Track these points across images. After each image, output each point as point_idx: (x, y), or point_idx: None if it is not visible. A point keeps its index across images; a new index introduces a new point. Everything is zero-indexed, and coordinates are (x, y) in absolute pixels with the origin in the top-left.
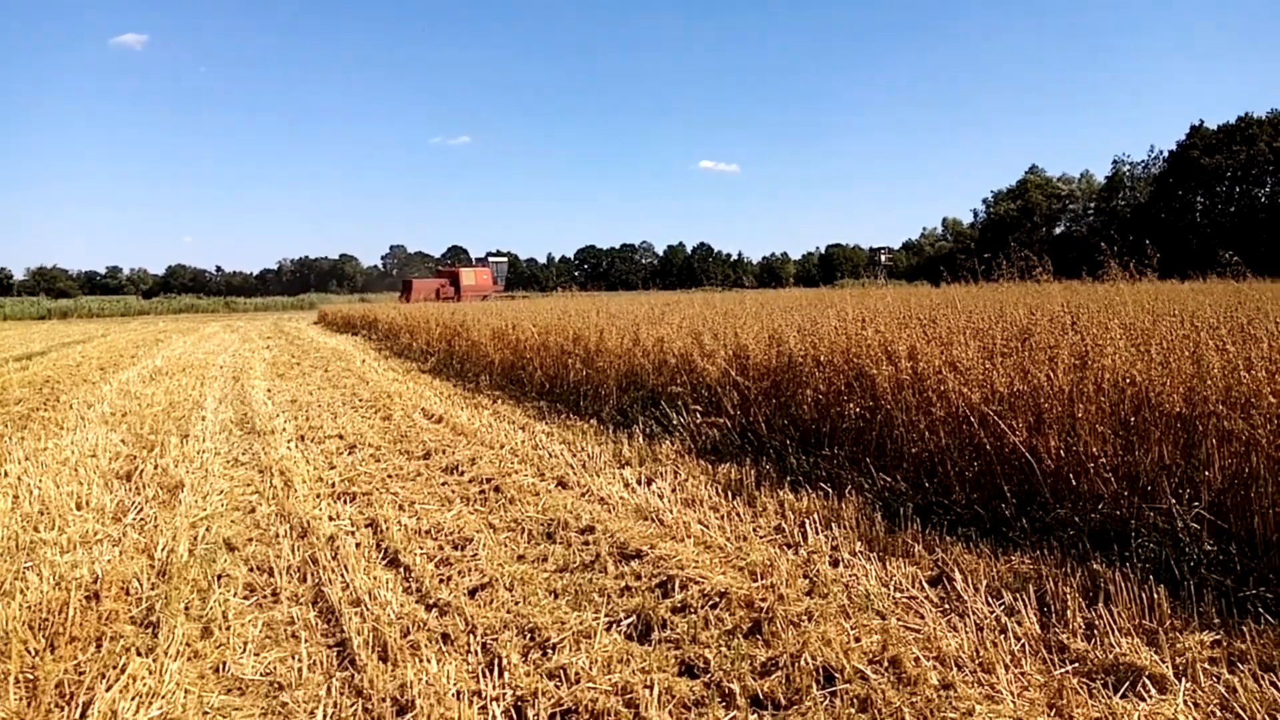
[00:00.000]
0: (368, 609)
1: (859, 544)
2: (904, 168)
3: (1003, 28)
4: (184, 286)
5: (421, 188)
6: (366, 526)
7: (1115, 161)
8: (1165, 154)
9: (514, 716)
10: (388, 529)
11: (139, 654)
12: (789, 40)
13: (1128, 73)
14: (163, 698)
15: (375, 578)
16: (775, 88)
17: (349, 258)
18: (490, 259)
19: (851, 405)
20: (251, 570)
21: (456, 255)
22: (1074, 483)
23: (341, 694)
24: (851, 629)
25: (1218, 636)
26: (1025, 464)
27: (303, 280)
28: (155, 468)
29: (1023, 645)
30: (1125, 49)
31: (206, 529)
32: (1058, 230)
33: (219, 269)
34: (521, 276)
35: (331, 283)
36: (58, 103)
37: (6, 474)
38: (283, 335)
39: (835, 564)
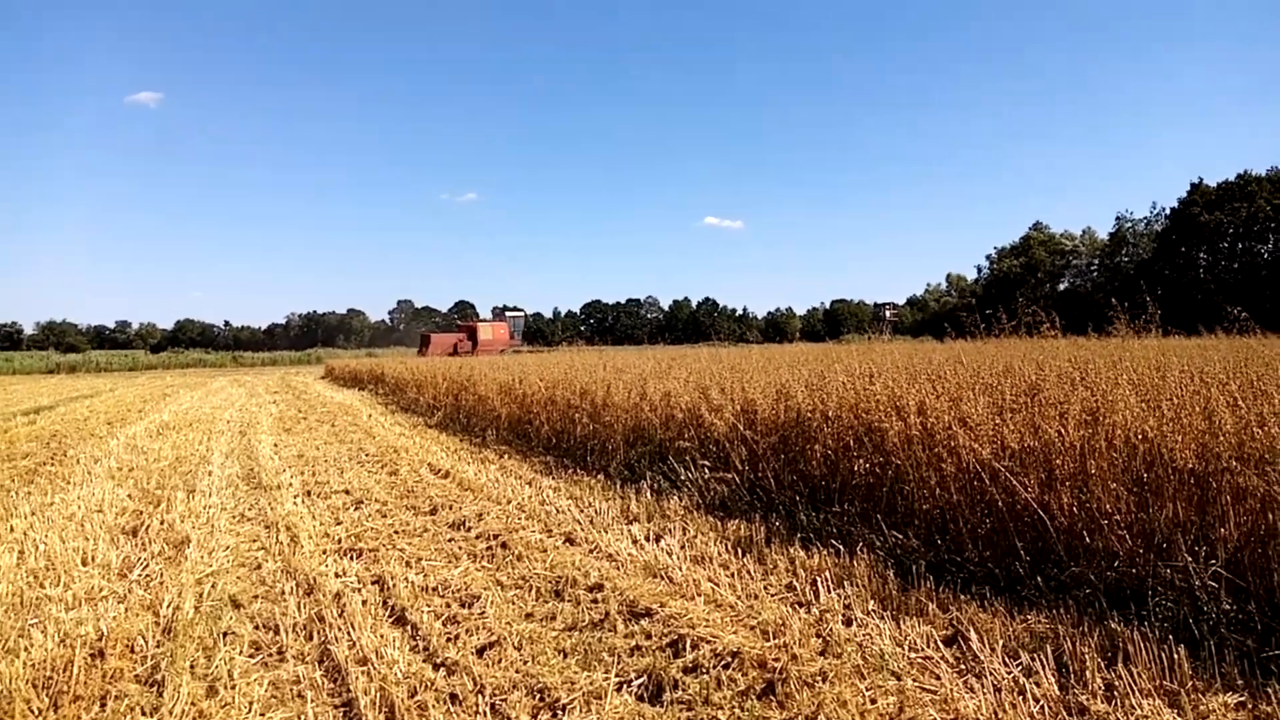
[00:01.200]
0: (374, 668)
1: (872, 602)
2: (909, 223)
3: (1005, 88)
4: (192, 341)
5: (429, 243)
6: (373, 583)
7: (1118, 218)
8: (1167, 210)
9: None
10: (394, 586)
11: (144, 714)
12: (792, 97)
13: (1130, 130)
14: None
15: (382, 636)
16: (779, 143)
17: (356, 312)
18: (508, 314)
19: (861, 461)
20: (257, 628)
21: (464, 310)
22: (1088, 540)
23: None
24: (867, 690)
25: (1242, 698)
26: (1038, 521)
27: (310, 335)
28: (161, 523)
29: (1042, 707)
30: (1127, 107)
31: (212, 585)
32: (1062, 286)
33: (227, 323)
34: (528, 331)
35: (339, 337)
36: (72, 158)
37: (13, 529)
38: (289, 390)
39: (848, 623)
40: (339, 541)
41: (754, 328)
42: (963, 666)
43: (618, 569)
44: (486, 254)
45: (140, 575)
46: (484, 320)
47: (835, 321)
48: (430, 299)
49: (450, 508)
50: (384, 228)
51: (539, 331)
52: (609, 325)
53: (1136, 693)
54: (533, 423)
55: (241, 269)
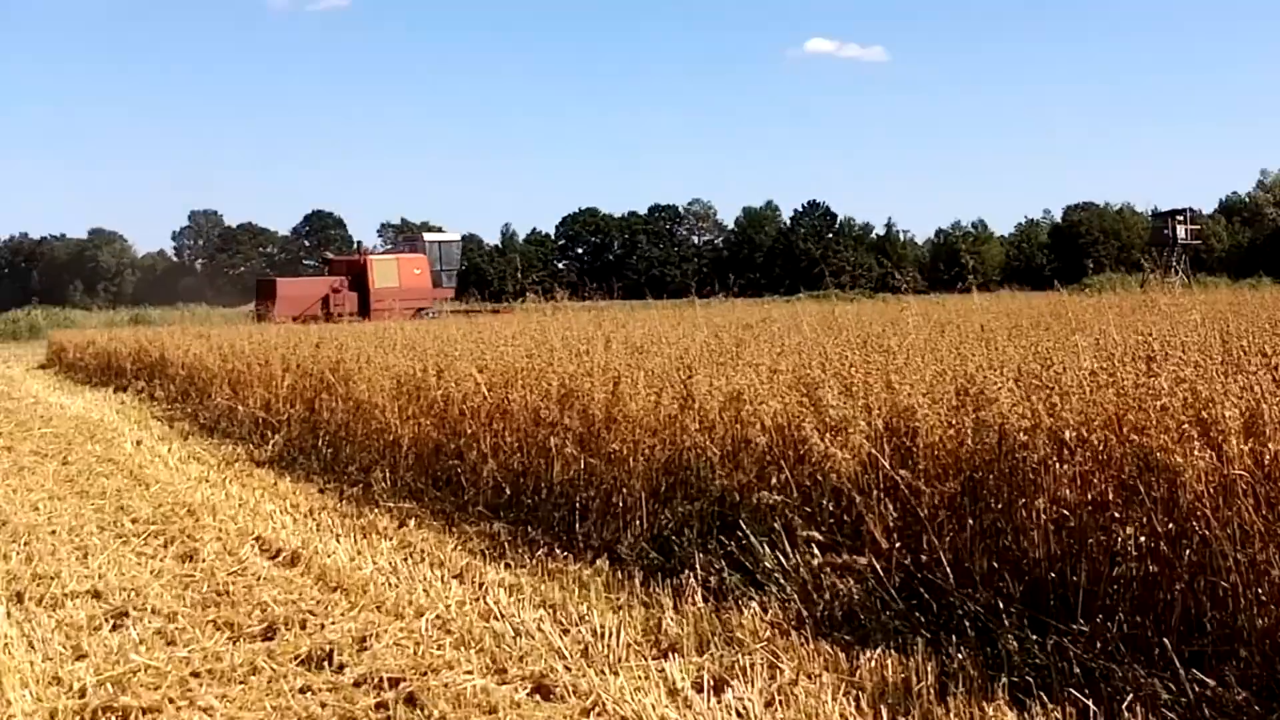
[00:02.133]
0: None
1: None
2: (1219, 69)
3: None
4: None
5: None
6: None
7: None
8: None
9: None
10: None
11: None
12: None
13: None
14: None
15: None
16: None
17: (109, 237)
18: (427, 238)
19: (1131, 528)
20: None
21: (322, 231)
22: None
23: None
24: None
25: None
26: None
27: (19, 282)
28: None
29: None
30: None
31: None
32: None
33: None
34: (463, 272)
35: (74, 285)
36: None
37: None
38: None
39: None
40: (83, 696)
41: (908, 261)
42: None
43: None
44: (370, 128)
45: None
46: (380, 253)
47: (1072, 248)
48: (262, 211)
49: (303, 625)
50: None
51: (476, 274)
52: (613, 259)
53: None
54: (465, 456)
55: None
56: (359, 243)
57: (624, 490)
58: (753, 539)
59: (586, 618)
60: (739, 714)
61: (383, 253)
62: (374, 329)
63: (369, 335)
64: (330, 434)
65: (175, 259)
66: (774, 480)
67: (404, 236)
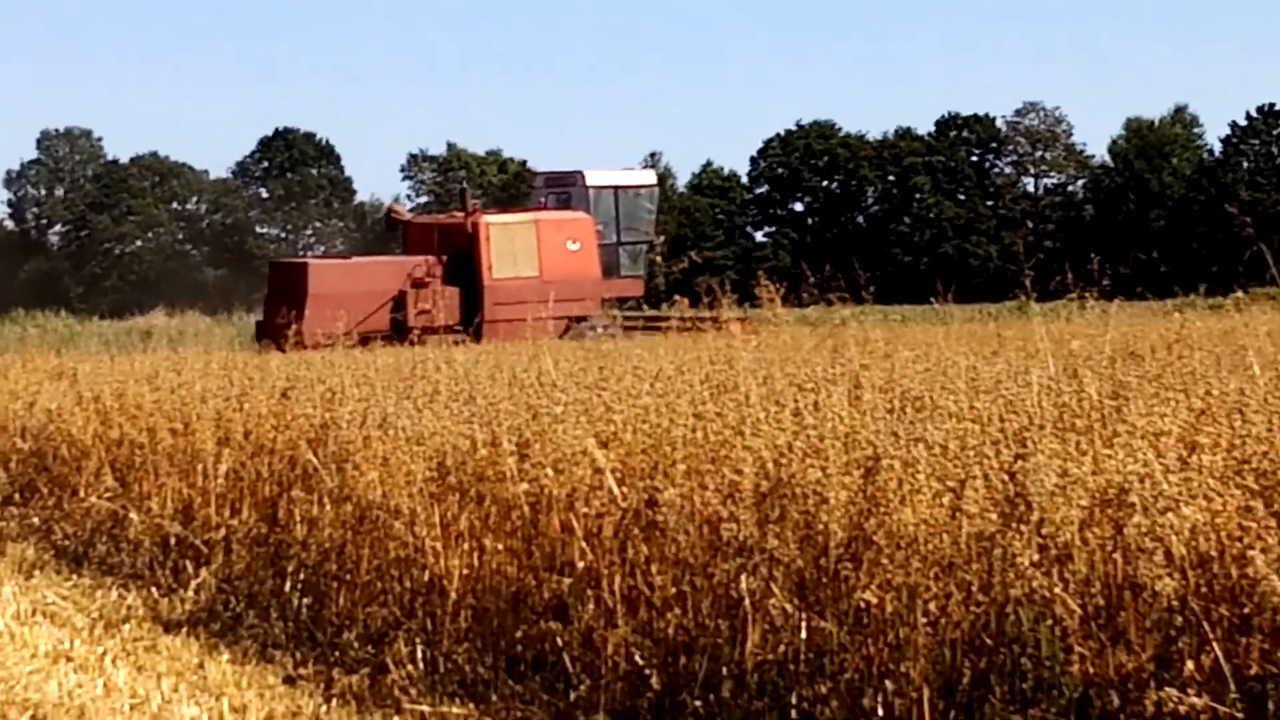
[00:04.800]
0: None
1: None
2: None
3: None
4: None
5: None
6: None
7: None
8: None
9: None
10: None
11: None
12: None
13: None
14: None
15: None
16: None
17: None
18: (588, 181)
19: None
20: None
21: (300, 171)
22: None
23: None
24: None
25: None
26: None
27: None
28: None
29: None
30: None
31: None
32: None
33: None
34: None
35: None
36: None
37: None
38: None
39: None
40: None
41: None
42: None
43: None
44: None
45: None
46: (502, 213)
47: None
48: (176, 140)
49: None
50: None
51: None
52: (863, 221)
53: None
54: (572, 613)
55: None
56: (464, 187)
57: (886, 682)
58: None
59: None
60: None
61: (509, 210)
62: (432, 359)
63: (387, 373)
64: (309, 568)
65: (12, 226)
66: (1189, 666)
67: (546, 178)
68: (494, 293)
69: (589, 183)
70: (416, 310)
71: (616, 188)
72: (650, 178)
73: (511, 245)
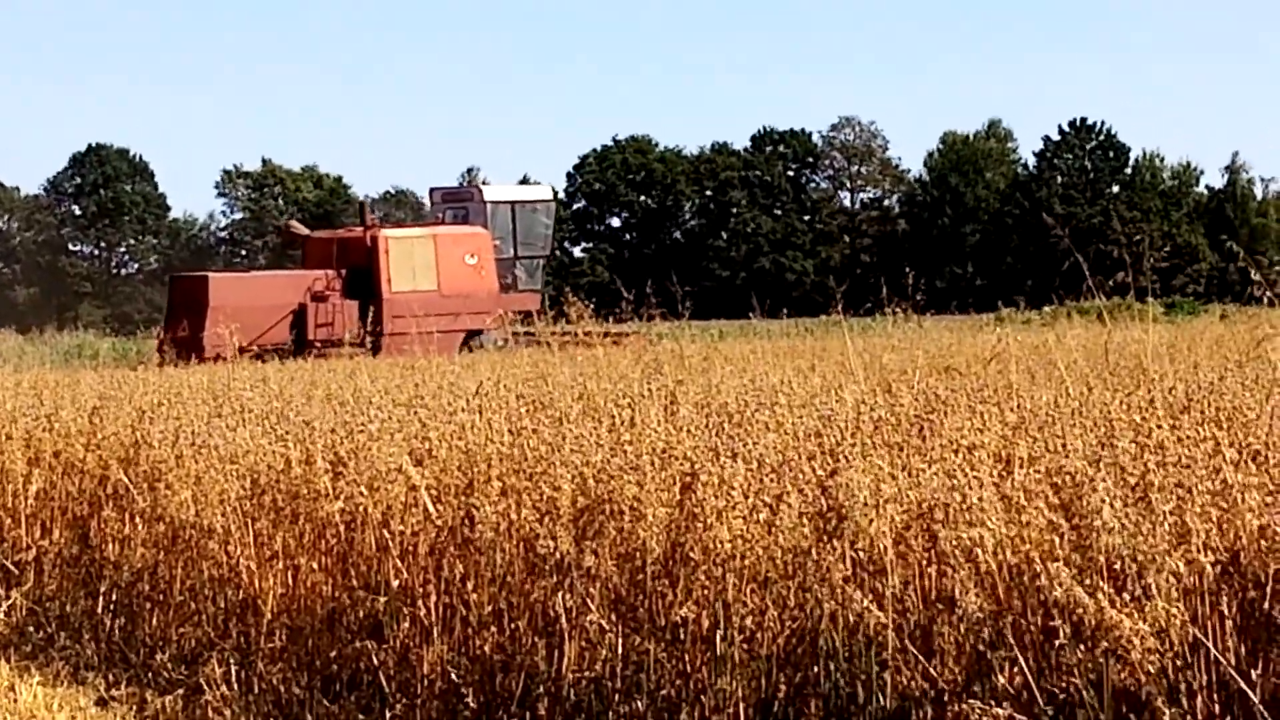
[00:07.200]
0: None
1: None
2: None
3: None
4: None
5: None
6: None
7: None
8: None
9: None
10: None
11: None
12: None
13: None
14: None
15: None
16: None
17: None
18: (486, 196)
19: None
20: None
21: (114, 188)
22: None
23: None
24: None
25: None
26: None
27: None
28: None
29: None
30: None
31: None
32: None
33: None
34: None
35: None
36: None
37: None
38: None
39: None
40: None
41: (1270, 238)
42: None
43: None
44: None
45: None
46: (399, 227)
47: None
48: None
49: None
50: None
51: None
52: (680, 236)
53: None
54: (387, 632)
55: None
56: (363, 202)
57: (702, 698)
58: None
59: None
60: None
61: (406, 225)
62: (249, 376)
63: (199, 390)
64: (122, 589)
65: None
66: (1001, 679)
67: (442, 194)
68: (393, 306)
69: (486, 198)
70: (316, 324)
71: (513, 203)
72: (547, 193)
73: (410, 260)
